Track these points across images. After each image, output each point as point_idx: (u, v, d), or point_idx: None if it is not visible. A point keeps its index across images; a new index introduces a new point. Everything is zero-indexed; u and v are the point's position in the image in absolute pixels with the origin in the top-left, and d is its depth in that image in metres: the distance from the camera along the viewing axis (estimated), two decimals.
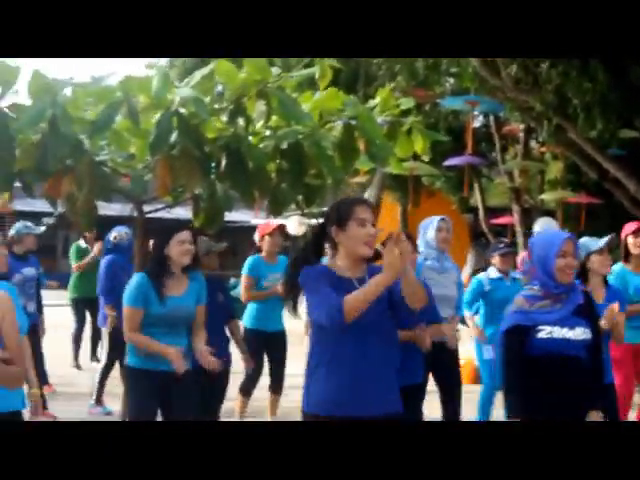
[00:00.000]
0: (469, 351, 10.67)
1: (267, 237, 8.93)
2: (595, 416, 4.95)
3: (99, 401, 9.97)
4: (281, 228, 9.09)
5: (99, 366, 10.15)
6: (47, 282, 11.19)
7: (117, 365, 9.48)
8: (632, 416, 8.43)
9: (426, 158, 8.48)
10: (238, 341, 7.99)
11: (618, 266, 7.97)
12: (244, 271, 8.88)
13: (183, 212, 14.92)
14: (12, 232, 9.81)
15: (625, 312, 6.93)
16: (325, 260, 4.80)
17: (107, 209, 8.45)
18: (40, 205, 8.47)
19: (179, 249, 6.15)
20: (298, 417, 4.76)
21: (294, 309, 4.71)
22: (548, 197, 21.48)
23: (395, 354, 4.63)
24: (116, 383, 6.66)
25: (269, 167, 7.29)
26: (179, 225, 6.28)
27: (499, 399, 8.84)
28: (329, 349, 4.48)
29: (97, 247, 12.48)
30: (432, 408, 7.78)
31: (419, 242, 7.45)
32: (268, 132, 7.24)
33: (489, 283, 9.02)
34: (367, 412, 4.40)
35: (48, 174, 6.73)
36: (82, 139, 6.69)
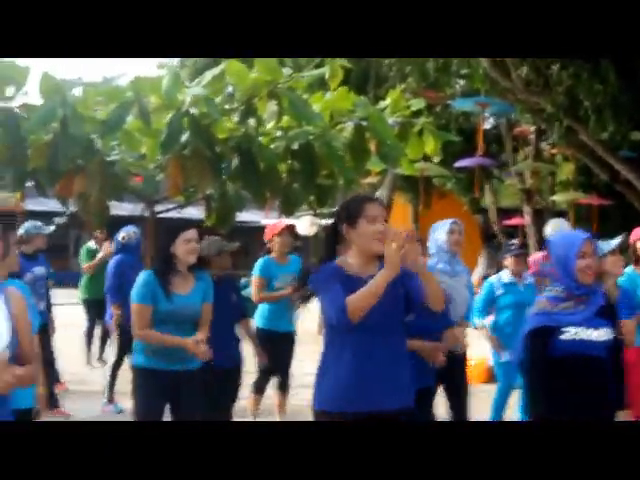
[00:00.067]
0: (482, 351, 10.65)
1: (276, 237, 8.90)
2: (624, 415, 4.95)
3: (111, 399, 10.00)
4: (290, 228, 9.06)
5: (108, 365, 10.18)
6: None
7: (127, 363, 9.50)
8: None
9: (437, 159, 8.47)
10: (251, 337, 7.99)
11: (629, 269, 7.95)
12: (255, 272, 8.87)
13: (194, 212, 15.00)
14: (21, 232, 9.82)
15: (637, 318, 6.93)
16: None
17: (118, 209, 8.48)
18: (52, 204, 8.49)
19: (185, 248, 6.13)
20: (307, 415, 4.77)
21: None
22: (559, 198, 21.44)
23: (405, 352, 4.64)
24: (128, 381, 6.72)
25: (280, 167, 7.31)
26: (186, 224, 6.26)
27: (512, 400, 8.91)
28: (340, 348, 4.49)
29: (105, 247, 12.51)
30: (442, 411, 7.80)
31: (430, 245, 7.42)
32: (279, 133, 7.26)
33: (501, 287, 8.96)
34: (377, 407, 4.40)
35: (59, 174, 6.76)
36: (93, 139, 6.72)
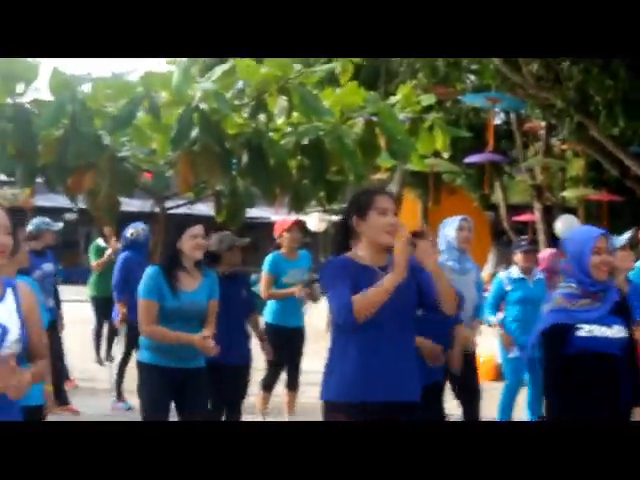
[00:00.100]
0: (490, 348, 10.63)
1: (285, 233, 8.89)
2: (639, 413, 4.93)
3: (120, 397, 10.00)
4: (299, 223, 9.04)
5: (115, 362, 10.20)
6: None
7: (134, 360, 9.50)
8: None
9: (446, 155, 8.45)
10: (258, 333, 7.98)
11: (639, 264, 7.93)
12: (264, 268, 8.86)
13: (204, 208, 15.00)
14: (30, 228, 9.82)
15: None
16: None
17: (127, 205, 8.48)
18: (62, 201, 8.49)
19: (191, 243, 6.08)
20: (317, 414, 4.75)
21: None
22: (569, 194, 21.42)
23: (414, 348, 4.62)
24: (135, 378, 6.72)
25: (290, 163, 7.29)
26: (192, 220, 6.23)
27: (520, 399, 8.89)
28: (347, 343, 4.48)
29: (112, 244, 12.51)
30: (451, 407, 7.80)
31: (439, 241, 7.41)
32: (289, 129, 7.24)
33: (510, 283, 8.95)
34: (382, 398, 4.39)
35: (69, 170, 6.76)
36: (102, 134, 6.71)
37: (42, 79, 6.52)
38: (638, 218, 12.29)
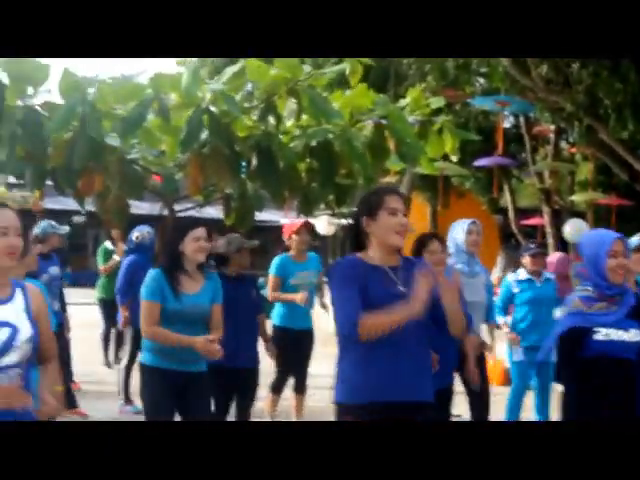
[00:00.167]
0: (499, 352, 10.61)
1: (294, 235, 8.89)
2: None
3: (128, 400, 9.99)
4: (307, 226, 9.04)
5: (120, 365, 10.20)
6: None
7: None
8: None
9: (455, 158, 8.43)
10: (262, 334, 7.98)
11: None
12: (271, 271, 8.86)
13: (213, 211, 15.00)
14: (37, 231, 9.81)
15: None
16: None
17: (136, 208, 8.47)
18: (71, 203, 8.48)
19: (194, 246, 6.04)
20: (325, 417, 4.74)
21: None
22: (578, 198, 21.41)
23: (428, 362, 4.60)
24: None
25: (299, 166, 7.28)
26: (195, 222, 6.19)
27: (527, 402, 8.87)
28: (355, 353, 4.45)
29: (120, 247, 12.51)
30: (461, 411, 7.78)
31: (449, 244, 7.40)
32: (298, 131, 7.23)
33: (517, 285, 8.95)
34: (394, 397, 4.37)
35: (77, 172, 6.75)
36: (112, 136, 6.70)
37: (53, 80, 6.52)
38: None
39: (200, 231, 6.02)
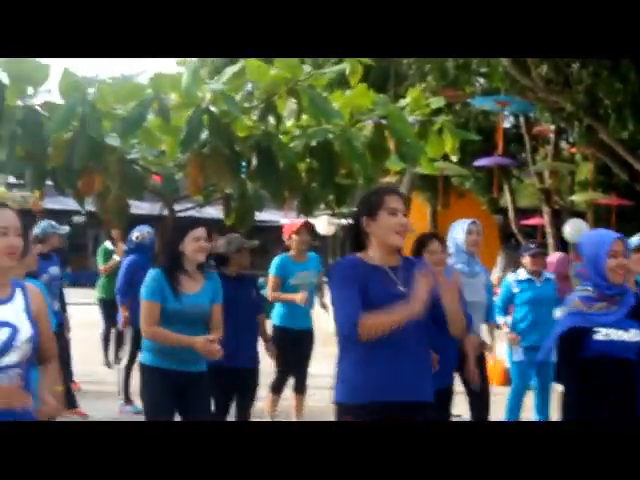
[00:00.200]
0: (499, 352, 10.60)
1: (294, 235, 8.89)
2: None
3: (128, 400, 9.99)
4: (307, 225, 9.04)
5: (120, 365, 10.20)
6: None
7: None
8: None
9: (455, 158, 8.43)
10: (262, 334, 7.98)
11: None
12: (270, 271, 8.86)
13: (213, 211, 15.01)
14: (37, 231, 9.81)
15: None
16: None
17: (136, 208, 8.47)
18: (71, 203, 8.48)
19: (194, 246, 6.03)
20: (324, 417, 4.74)
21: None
22: (578, 198, 21.42)
23: (428, 361, 4.60)
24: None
25: (299, 166, 7.28)
26: (195, 222, 6.18)
27: (527, 402, 8.87)
28: (355, 353, 4.45)
29: (120, 247, 12.51)
30: (462, 411, 7.78)
31: (449, 244, 7.40)
32: (298, 131, 7.23)
33: (517, 285, 8.96)
34: (394, 397, 4.36)
35: (76, 172, 6.75)
36: (112, 136, 6.70)
37: (53, 80, 6.52)
38: None
39: (200, 231, 6.01)
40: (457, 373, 6.94)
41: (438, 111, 8.09)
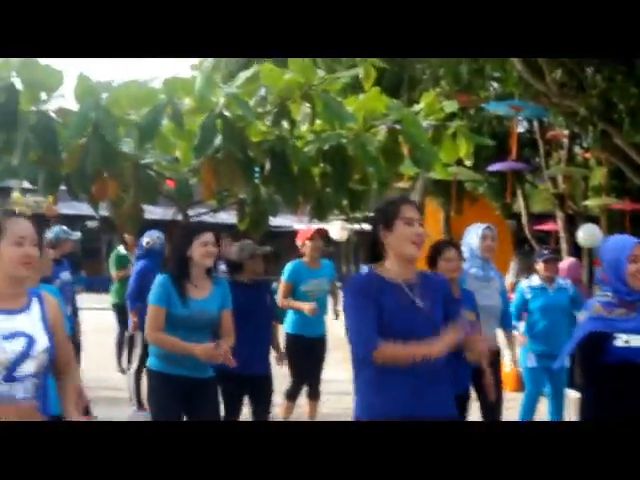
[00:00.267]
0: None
1: (308, 242, 8.88)
2: None
3: (141, 405, 9.97)
4: (321, 232, 9.03)
5: (130, 371, 10.19)
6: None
7: None
8: None
9: (469, 163, 8.40)
10: (275, 344, 7.97)
11: None
12: (283, 277, 8.85)
13: (227, 216, 15.00)
14: (50, 236, 9.82)
15: None
16: None
17: (150, 213, 8.46)
18: (84, 208, 8.49)
19: (202, 251, 6.01)
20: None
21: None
22: (592, 203, 21.34)
23: (445, 369, 4.57)
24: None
25: (313, 171, 7.26)
26: (203, 227, 6.17)
27: (541, 409, 8.82)
28: (369, 371, 4.42)
29: (133, 254, 12.51)
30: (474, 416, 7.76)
31: (463, 248, 7.37)
32: (312, 136, 7.21)
33: (530, 291, 8.93)
34: (418, 412, 4.33)
35: (90, 178, 6.75)
36: (126, 142, 6.70)
37: (66, 86, 6.52)
38: None
39: (207, 236, 6.00)
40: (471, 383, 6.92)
41: (452, 116, 8.07)
